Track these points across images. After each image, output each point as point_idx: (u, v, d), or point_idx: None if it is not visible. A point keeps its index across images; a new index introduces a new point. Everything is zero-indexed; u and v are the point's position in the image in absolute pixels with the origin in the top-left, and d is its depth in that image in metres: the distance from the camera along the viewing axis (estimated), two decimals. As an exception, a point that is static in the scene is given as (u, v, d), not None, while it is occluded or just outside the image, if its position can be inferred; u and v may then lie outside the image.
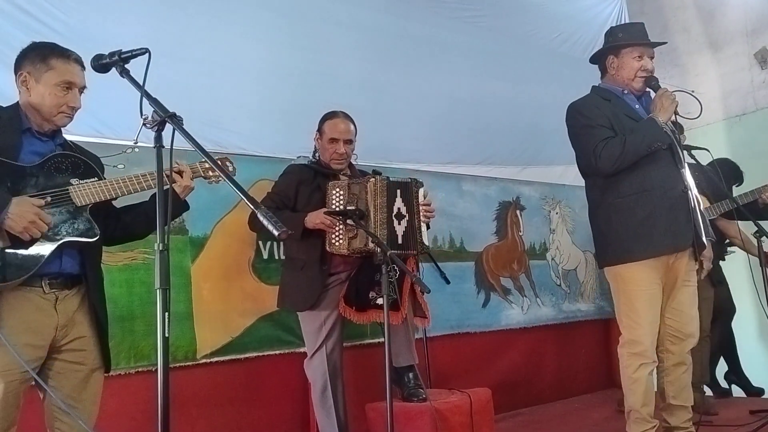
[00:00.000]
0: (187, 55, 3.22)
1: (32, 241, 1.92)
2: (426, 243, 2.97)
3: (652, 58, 2.85)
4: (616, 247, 2.76)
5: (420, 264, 3.17)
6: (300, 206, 2.96)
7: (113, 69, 1.76)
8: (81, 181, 2.04)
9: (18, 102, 2.09)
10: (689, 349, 2.80)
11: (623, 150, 2.66)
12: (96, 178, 2.09)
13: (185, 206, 2.30)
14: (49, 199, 1.96)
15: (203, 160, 2.24)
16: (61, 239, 1.97)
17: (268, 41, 3.60)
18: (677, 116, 2.75)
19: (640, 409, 2.70)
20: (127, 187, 2.09)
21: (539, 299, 4.61)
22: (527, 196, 4.72)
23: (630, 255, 2.70)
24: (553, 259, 4.82)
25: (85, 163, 2.10)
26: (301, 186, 2.99)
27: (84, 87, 2.11)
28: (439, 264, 3.68)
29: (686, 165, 2.80)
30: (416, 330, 3.05)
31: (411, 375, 2.90)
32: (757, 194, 3.58)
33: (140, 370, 2.81)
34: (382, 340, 2.68)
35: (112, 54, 1.75)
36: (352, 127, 3.08)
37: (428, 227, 3.05)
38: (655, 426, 2.72)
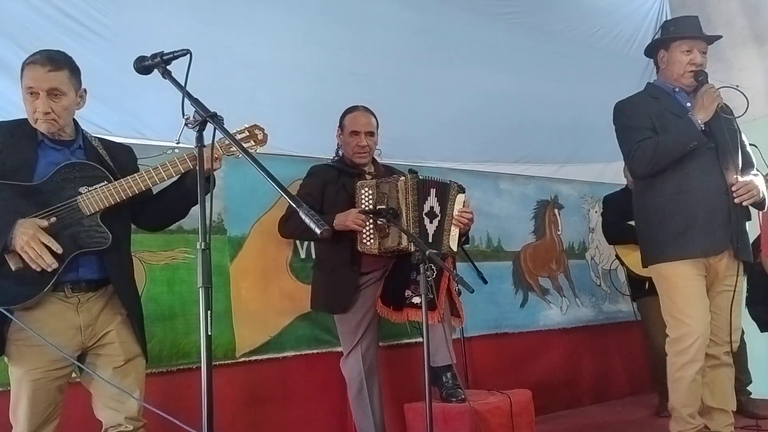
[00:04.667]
0: (224, 57, 3.25)
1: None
2: (452, 247, 2.90)
3: (704, 52, 2.76)
4: (654, 247, 2.76)
5: (456, 263, 3.14)
6: (326, 207, 2.94)
7: (155, 71, 1.76)
8: (89, 188, 2.00)
9: None
10: (725, 351, 2.72)
11: (654, 152, 2.63)
12: (105, 182, 2.01)
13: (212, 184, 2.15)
14: (54, 219, 1.93)
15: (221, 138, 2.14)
16: (71, 253, 1.94)
17: (304, 42, 3.61)
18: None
19: (680, 409, 2.66)
20: (137, 185, 2.02)
21: (578, 299, 4.53)
22: (565, 195, 4.65)
23: (665, 256, 2.70)
24: (592, 258, 4.74)
25: (93, 168, 2.04)
26: (326, 187, 2.98)
27: (53, 89, 1.98)
28: (476, 264, 3.64)
29: (734, 164, 2.67)
30: (453, 330, 3.02)
31: (449, 375, 2.87)
32: None
33: (181, 367, 2.86)
34: (419, 339, 2.66)
35: (154, 56, 1.75)
36: (373, 119, 3.06)
37: (465, 233, 3.00)
38: (697, 427, 2.66)
